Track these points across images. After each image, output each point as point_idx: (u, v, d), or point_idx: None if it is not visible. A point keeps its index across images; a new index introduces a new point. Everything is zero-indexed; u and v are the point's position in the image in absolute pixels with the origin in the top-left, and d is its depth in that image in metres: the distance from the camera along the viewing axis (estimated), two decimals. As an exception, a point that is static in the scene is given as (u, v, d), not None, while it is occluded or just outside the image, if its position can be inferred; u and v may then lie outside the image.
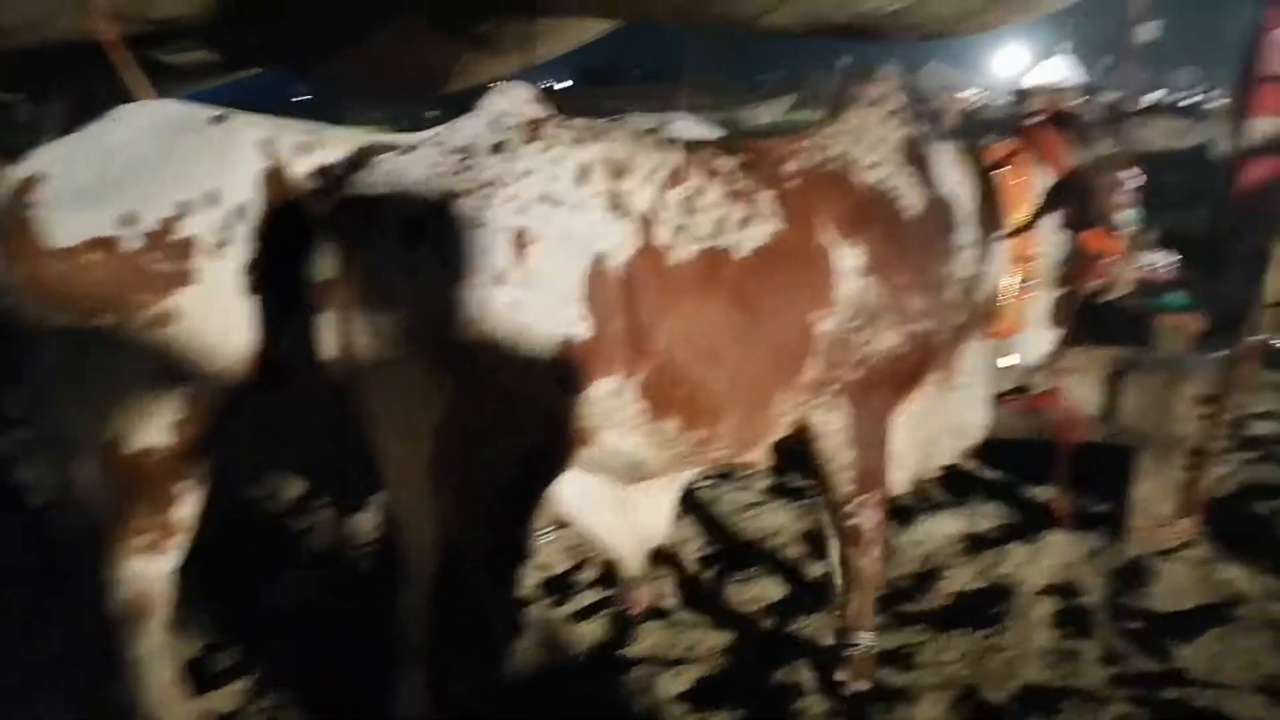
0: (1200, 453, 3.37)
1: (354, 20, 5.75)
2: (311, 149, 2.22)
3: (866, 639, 2.58)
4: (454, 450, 1.94)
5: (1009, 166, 2.65)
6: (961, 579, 3.20)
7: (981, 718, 2.48)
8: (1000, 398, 3.41)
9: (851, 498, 2.49)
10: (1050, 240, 2.71)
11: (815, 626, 2.91)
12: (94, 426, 2.06)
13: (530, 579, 3.21)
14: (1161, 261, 7.30)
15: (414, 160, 1.92)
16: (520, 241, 1.88)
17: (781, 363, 2.31)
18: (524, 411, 1.95)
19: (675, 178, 2.13)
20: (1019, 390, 3.45)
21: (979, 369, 2.80)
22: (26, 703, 2.46)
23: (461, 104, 2.25)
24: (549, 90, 16.32)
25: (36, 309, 1.96)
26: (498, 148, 1.94)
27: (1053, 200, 2.65)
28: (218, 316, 2.07)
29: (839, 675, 2.57)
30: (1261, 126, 8.20)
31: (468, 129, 1.99)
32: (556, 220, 1.91)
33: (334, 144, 2.27)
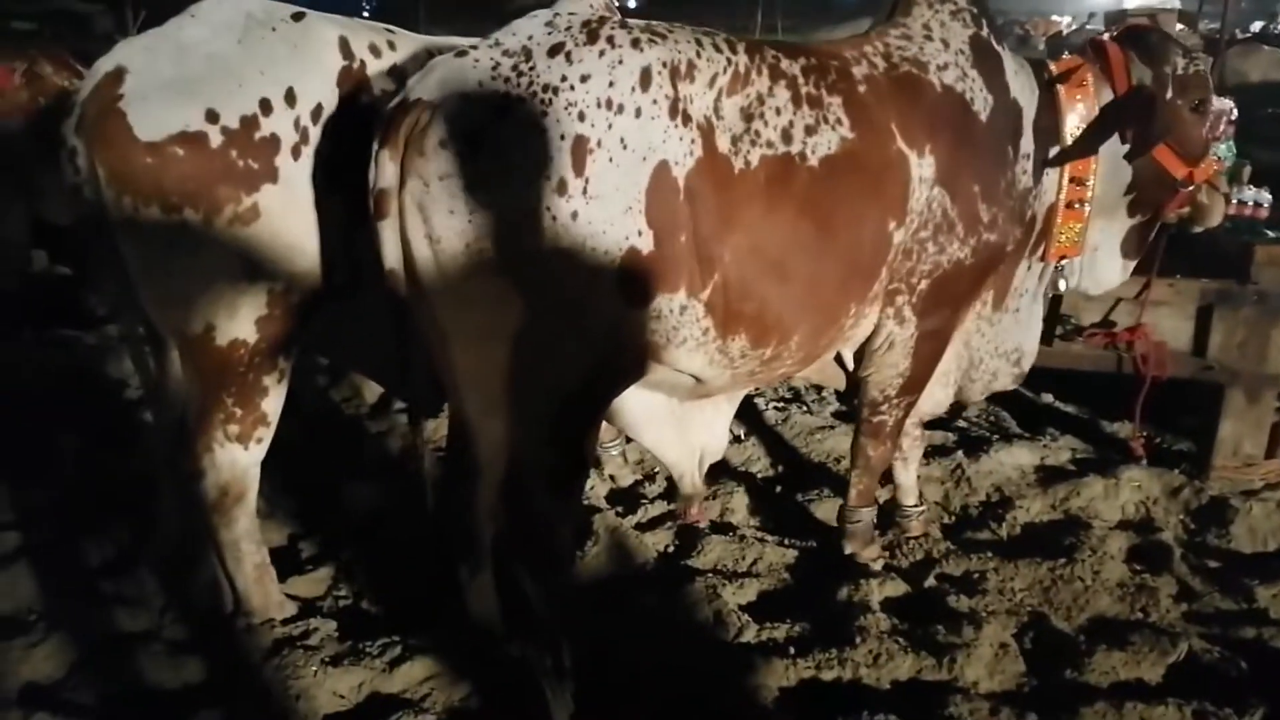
0: (1293, 392, 3.25)
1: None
2: (385, 50, 2.21)
3: (867, 514, 2.81)
4: (515, 364, 1.93)
5: (1069, 80, 2.50)
6: (1034, 510, 3.15)
7: (1048, 645, 2.45)
8: (1083, 332, 3.32)
9: (889, 399, 2.62)
10: (1113, 162, 2.55)
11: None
12: (184, 320, 2.12)
13: (598, 490, 3.26)
14: (1256, 198, 6.96)
15: (471, 64, 1.85)
16: (579, 150, 1.82)
17: (854, 276, 2.27)
18: (588, 326, 1.92)
19: (740, 81, 2.04)
20: (1104, 324, 3.35)
21: (1031, 291, 2.72)
22: (116, 581, 2.59)
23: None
24: (619, 8, 15.96)
25: (125, 203, 1.99)
26: (555, 50, 1.87)
27: (1112, 118, 2.49)
28: (299, 216, 2.10)
29: (847, 547, 2.81)
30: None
31: (525, 30, 1.92)
32: (617, 127, 1.85)
33: (406, 46, 2.25)
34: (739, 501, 3.20)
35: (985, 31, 2.44)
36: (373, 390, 3.91)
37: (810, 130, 2.11)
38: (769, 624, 2.50)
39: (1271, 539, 3.02)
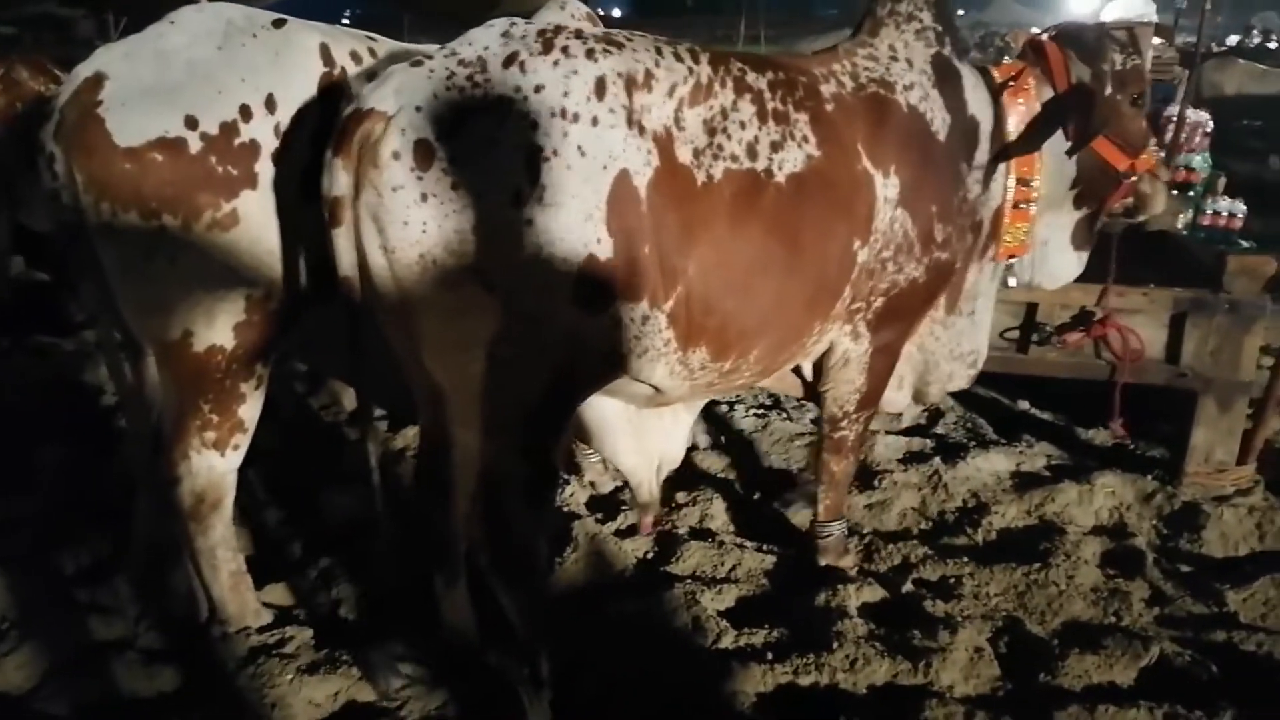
0: (1263, 400, 3.30)
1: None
2: (366, 57, 2.22)
3: (838, 527, 2.83)
4: (479, 373, 1.92)
5: (1012, 84, 2.54)
6: (1009, 515, 3.18)
7: (1023, 649, 2.48)
8: (1058, 333, 3.35)
9: (848, 414, 2.66)
10: (1057, 159, 2.60)
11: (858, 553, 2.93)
12: (161, 326, 2.11)
13: (578, 497, 3.26)
14: (1230, 209, 7.03)
15: (426, 73, 1.85)
16: (534, 159, 1.82)
17: (819, 293, 2.29)
18: (549, 334, 1.92)
19: (703, 93, 2.04)
20: (1075, 323, 3.38)
21: (983, 293, 2.76)
22: (92, 589, 2.57)
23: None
24: (597, 18, 16.00)
25: (104, 208, 1.99)
26: (509, 60, 1.87)
27: (1052, 115, 2.53)
28: (278, 222, 2.10)
29: (822, 560, 2.82)
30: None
31: (481, 40, 1.91)
32: (574, 136, 1.85)
33: (388, 53, 2.26)
34: (718, 508, 3.21)
35: (947, 50, 2.48)
36: (352, 397, 3.90)
37: (776, 146, 2.12)
38: (747, 630, 2.51)
39: (1242, 544, 3.06)
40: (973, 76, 2.54)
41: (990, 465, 3.47)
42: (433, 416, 2.14)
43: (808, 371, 2.68)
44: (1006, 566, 2.82)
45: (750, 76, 2.14)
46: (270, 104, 2.05)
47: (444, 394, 2.04)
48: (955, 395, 4.26)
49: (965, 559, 2.88)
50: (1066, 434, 3.88)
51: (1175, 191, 6.52)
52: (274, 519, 2.99)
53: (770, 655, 2.39)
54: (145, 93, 2.00)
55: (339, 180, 1.81)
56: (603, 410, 2.45)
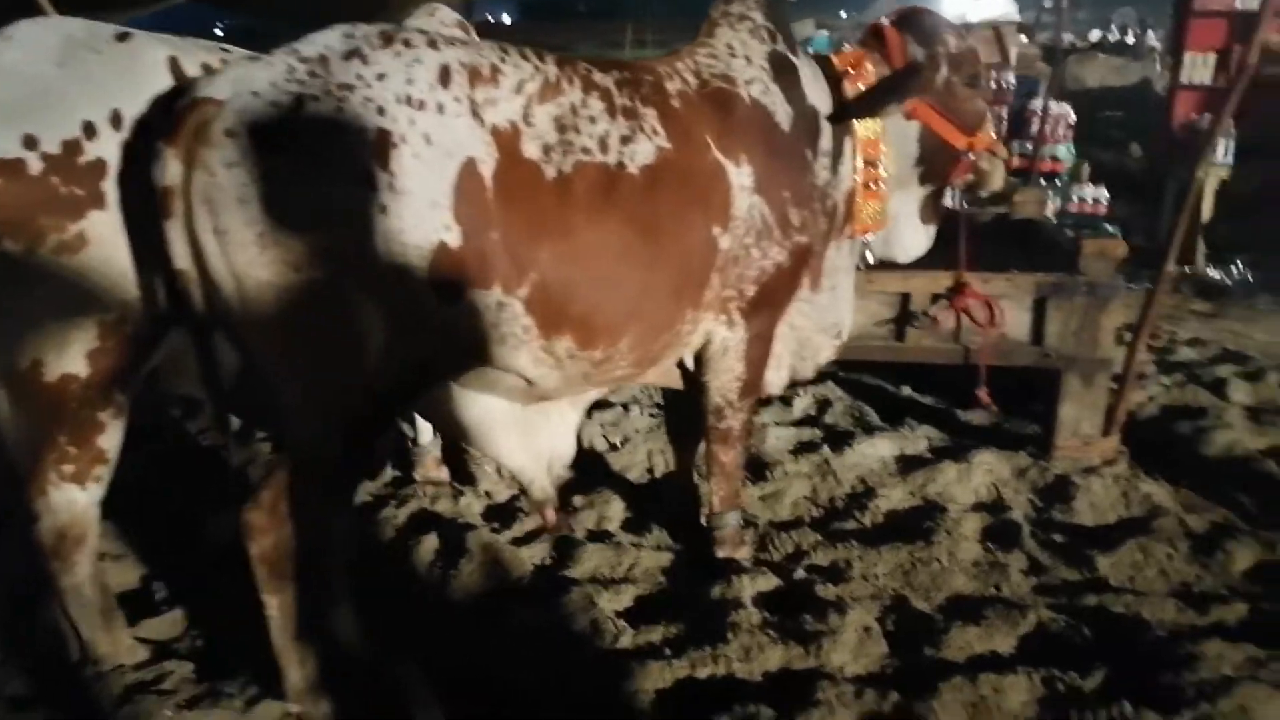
0: (1123, 376, 3.49)
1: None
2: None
3: (733, 518, 2.86)
4: (317, 358, 1.89)
5: (851, 71, 2.67)
6: (895, 498, 3.29)
7: (909, 625, 2.56)
8: (926, 314, 3.48)
9: (731, 404, 2.69)
10: (900, 139, 2.74)
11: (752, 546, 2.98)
12: (9, 356, 2.00)
13: (474, 507, 3.23)
14: (1095, 195, 7.40)
15: (263, 66, 1.83)
16: (382, 144, 1.81)
17: (683, 281, 2.34)
18: (398, 318, 1.89)
19: (552, 91, 2.08)
20: (938, 300, 3.50)
21: (844, 268, 2.86)
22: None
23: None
24: (487, 24, 15.87)
25: (-59, 235, 1.88)
26: (350, 54, 1.86)
27: (880, 88, 2.66)
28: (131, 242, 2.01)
29: (719, 553, 2.85)
30: (1193, 62, 8.39)
31: (322, 39, 1.90)
32: (420, 123, 1.86)
33: (243, 64, 2.20)
34: (615, 509, 3.23)
35: (781, 45, 2.57)
36: (233, 419, 3.77)
37: (626, 140, 2.17)
38: (645, 628, 2.53)
39: (1110, 512, 3.23)
40: (810, 68, 2.64)
41: (876, 451, 3.58)
42: (279, 407, 2.07)
43: (690, 364, 2.73)
44: (893, 547, 2.92)
45: (597, 75, 2.20)
46: (116, 120, 1.97)
47: (284, 381, 1.97)
48: (842, 385, 4.39)
49: (854, 542, 2.97)
50: (946, 417, 4.04)
51: (1043, 181, 6.87)
52: (151, 549, 2.86)
53: (668, 651, 2.41)
54: (-22, 113, 1.89)
55: (169, 169, 1.76)
56: (488, 411, 2.44)
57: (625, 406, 4.09)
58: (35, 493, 2.08)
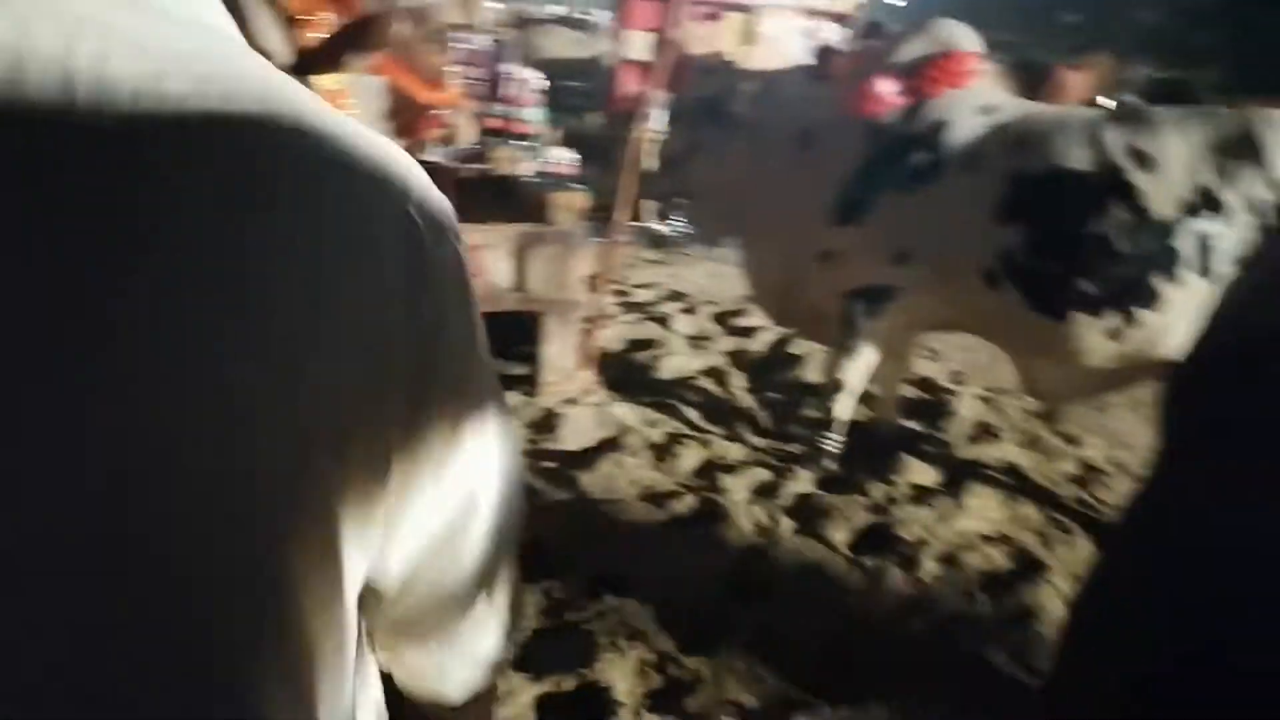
0: (591, 317, 3.95)
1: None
2: None
3: None
4: None
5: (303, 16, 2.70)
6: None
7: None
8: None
9: None
10: (364, 91, 2.83)
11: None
12: None
13: None
14: (563, 157, 8.10)
15: None
16: None
17: None
18: None
19: None
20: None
21: None
22: None
23: None
24: None
25: None
26: None
27: (342, 46, 2.74)
28: None
29: None
30: (634, 39, 9.61)
31: None
32: None
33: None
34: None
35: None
36: None
37: None
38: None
39: (588, 436, 3.65)
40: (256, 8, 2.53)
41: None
42: None
43: None
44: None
45: None
46: None
47: None
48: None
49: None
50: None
51: (517, 142, 7.36)
52: None
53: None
54: None
55: None
56: None
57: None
58: None
